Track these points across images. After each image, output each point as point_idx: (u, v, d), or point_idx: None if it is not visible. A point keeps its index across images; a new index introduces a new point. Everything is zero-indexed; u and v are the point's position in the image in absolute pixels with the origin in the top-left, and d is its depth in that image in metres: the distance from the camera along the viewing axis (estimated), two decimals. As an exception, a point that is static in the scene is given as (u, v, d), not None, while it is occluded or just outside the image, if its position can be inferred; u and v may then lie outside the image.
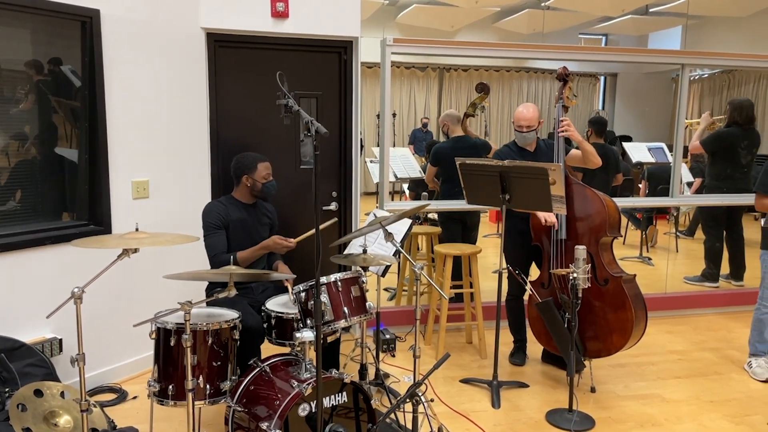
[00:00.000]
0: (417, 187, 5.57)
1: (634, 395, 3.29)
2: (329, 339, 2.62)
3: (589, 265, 3.18)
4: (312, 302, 2.46)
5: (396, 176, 4.81)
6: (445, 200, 4.36)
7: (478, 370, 3.60)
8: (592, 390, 3.33)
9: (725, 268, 5.21)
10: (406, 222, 3.19)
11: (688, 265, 5.64)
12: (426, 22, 9.77)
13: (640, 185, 7.01)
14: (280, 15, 3.74)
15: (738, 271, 5.11)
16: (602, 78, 11.61)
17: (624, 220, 7.14)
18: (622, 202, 4.45)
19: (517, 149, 3.58)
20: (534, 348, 3.80)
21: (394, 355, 3.78)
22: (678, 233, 6.99)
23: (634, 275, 3.33)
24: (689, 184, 6.50)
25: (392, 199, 5.71)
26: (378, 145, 4.40)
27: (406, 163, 5.03)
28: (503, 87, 11.70)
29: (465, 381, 3.43)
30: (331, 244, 2.96)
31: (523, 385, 3.39)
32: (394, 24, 9.66)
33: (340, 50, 3.97)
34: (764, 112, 10.03)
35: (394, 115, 8.11)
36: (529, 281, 3.56)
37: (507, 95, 11.70)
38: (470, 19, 9.85)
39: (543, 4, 8.74)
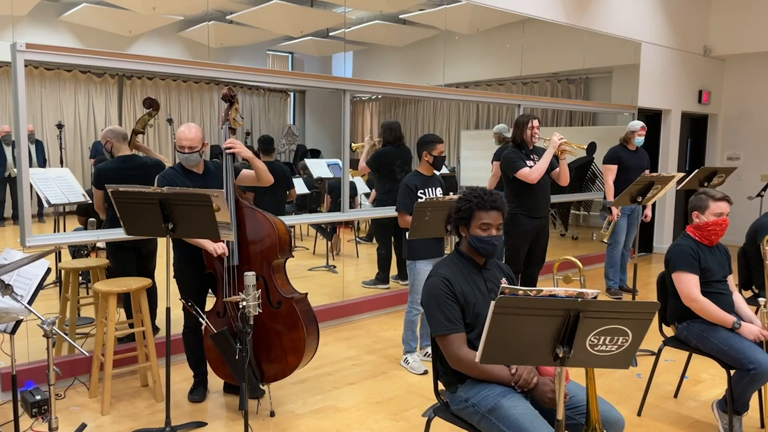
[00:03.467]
0: (86, 213, 4.88)
1: (310, 411, 3.39)
2: None
3: (260, 290, 3.16)
4: None
5: (49, 202, 4.09)
6: (112, 228, 3.89)
7: (152, 417, 3.27)
8: (272, 414, 3.33)
9: (394, 270, 5.87)
10: (43, 264, 2.69)
11: (369, 270, 6.20)
12: (100, 24, 8.76)
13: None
14: None
15: (404, 272, 5.81)
16: (292, 94, 12.17)
17: (313, 232, 7.53)
18: (290, 220, 4.66)
19: (183, 172, 3.38)
20: (216, 380, 3.64)
21: (46, 419, 3.18)
22: (358, 240, 7.67)
23: (306, 294, 3.44)
24: (367, 195, 7.18)
25: (58, 227, 4.91)
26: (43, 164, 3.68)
27: (64, 186, 4.33)
28: (192, 98, 11.27)
29: (135, 434, 3.08)
30: None
31: (201, 425, 3.20)
32: (58, 22, 8.43)
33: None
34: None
35: (61, 126, 7.04)
36: (206, 311, 3.40)
37: (198, 106, 11.30)
38: (151, 25, 9.18)
39: (226, 18, 8.68)
